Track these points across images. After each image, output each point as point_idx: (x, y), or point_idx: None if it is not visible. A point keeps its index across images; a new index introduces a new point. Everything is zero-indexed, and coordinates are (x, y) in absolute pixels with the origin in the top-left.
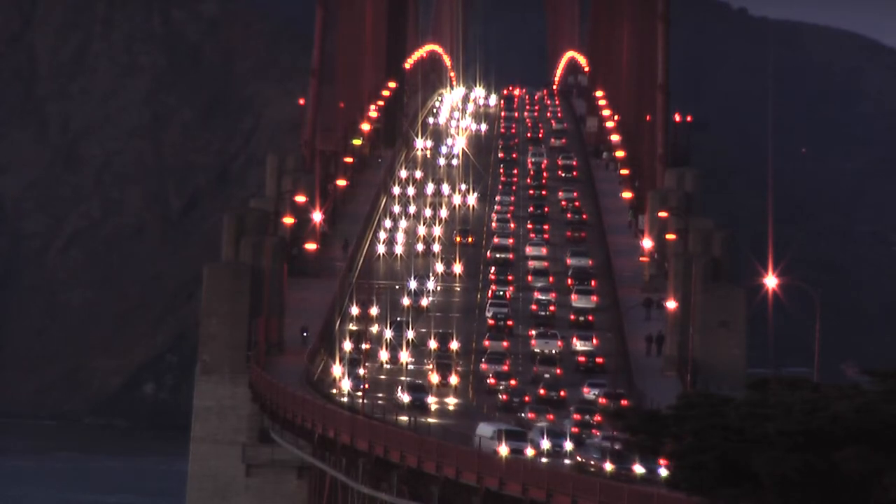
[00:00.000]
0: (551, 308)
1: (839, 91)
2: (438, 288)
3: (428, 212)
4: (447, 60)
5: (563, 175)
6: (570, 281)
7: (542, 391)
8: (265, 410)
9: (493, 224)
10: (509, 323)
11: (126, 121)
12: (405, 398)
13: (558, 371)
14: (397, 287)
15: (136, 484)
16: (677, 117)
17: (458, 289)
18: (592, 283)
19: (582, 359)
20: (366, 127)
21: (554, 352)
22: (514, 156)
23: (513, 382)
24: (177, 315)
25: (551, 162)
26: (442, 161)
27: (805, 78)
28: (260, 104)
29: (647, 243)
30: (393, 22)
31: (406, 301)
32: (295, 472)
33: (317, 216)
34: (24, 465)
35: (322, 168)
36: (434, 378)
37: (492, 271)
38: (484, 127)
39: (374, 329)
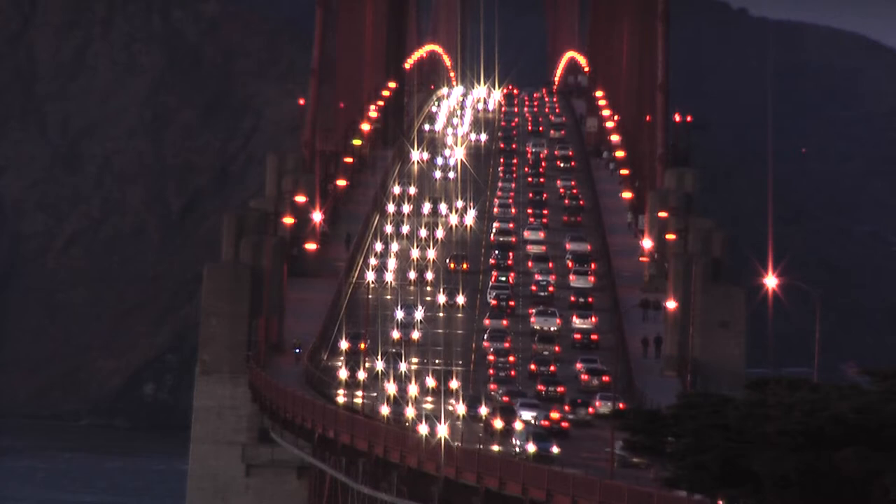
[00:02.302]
0: (550, 289)
1: (839, 91)
2: (440, 318)
3: (423, 232)
4: (447, 60)
5: (562, 165)
6: (570, 264)
7: (532, 367)
8: (265, 410)
9: (496, 209)
10: (511, 303)
11: (126, 121)
12: (530, 447)
13: (557, 348)
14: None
15: (136, 484)
16: (677, 117)
17: (459, 327)
18: (592, 265)
19: (577, 336)
20: (366, 127)
21: (553, 329)
22: (514, 146)
23: (511, 359)
24: (177, 315)
25: (550, 152)
26: (438, 174)
27: (805, 78)
28: (260, 104)
29: (647, 243)
30: (393, 22)
31: (396, 334)
32: (295, 472)
33: (317, 216)
34: (24, 465)
35: (322, 168)
36: (498, 424)
37: (493, 254)
38: (484, 137)
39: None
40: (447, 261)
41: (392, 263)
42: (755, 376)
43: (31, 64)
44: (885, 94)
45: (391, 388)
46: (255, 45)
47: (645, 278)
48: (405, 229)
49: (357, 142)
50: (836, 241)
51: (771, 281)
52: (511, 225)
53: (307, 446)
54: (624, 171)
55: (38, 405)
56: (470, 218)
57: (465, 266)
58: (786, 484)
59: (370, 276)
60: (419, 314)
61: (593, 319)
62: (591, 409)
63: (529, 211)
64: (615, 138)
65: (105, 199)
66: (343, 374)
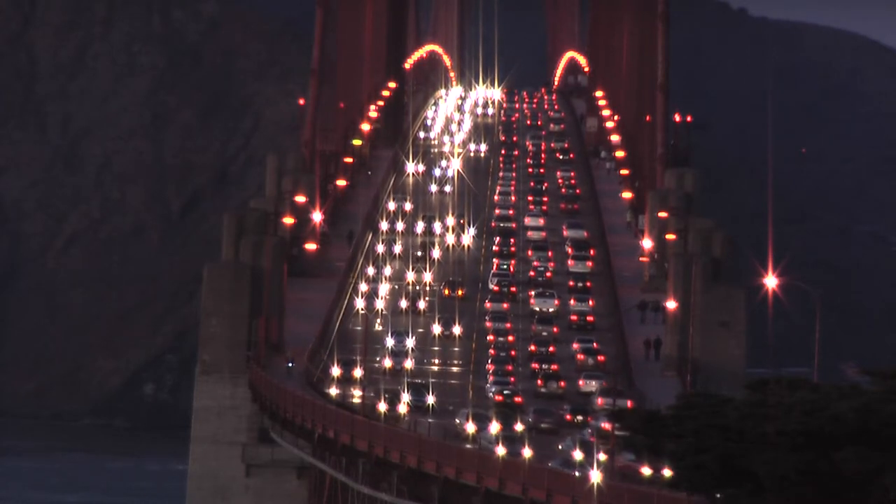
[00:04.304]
0: (548, 275)
1: (839, 91)
2: (436, 349)
3: (418, 252)
4: (447, 60)
5: (561, 157)
6: (570, 250)
7: (532, 347)
8: (265, 410)
9: (496, 197)
10: (512, 289)
11: (126, 121)
12: None
13: (555, 329)
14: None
15: (136, 484)
16: (677, 117)
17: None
18: (591, 251)
19: (574, 317)
20: (366, 127)
21: (551, 310)
22: (515, 139)
23: (511, 339)
24: (177, 315)
25: (548, 145)
26: (434, 187)
27: (805, 78)
28: (260, 104)
29: (647, 243)
30: (393, 22)
31: (388, 363)
32: (295, 472)
33: (317, 216)
34: (24, 465)
35: (322, 168)
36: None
37: (495, 242)
38: (484, 147)
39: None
40: (442, 286)
41: (384, 289)
42: (755, 376)
43: (31, 64)
44: (885, 94)
45: (470, 427)
46: (255, 45)
47: (645, 278)
48: (398, 248)
49: (357, 142)
50: (836, 241)
51: (771, 281)
52: (511, 212)
53: (307, 446)
54: (624, 171)
55: (38, 405)
56: (468, 238)
57: (460, 292)
58: (786, 484)
59: (359, 303)
60: (410, 342)
61: (591, 303)
62: (562, 383)
63: (530, 198)
64: (615, 138)
65: (105, 199)
66: (382, 406)
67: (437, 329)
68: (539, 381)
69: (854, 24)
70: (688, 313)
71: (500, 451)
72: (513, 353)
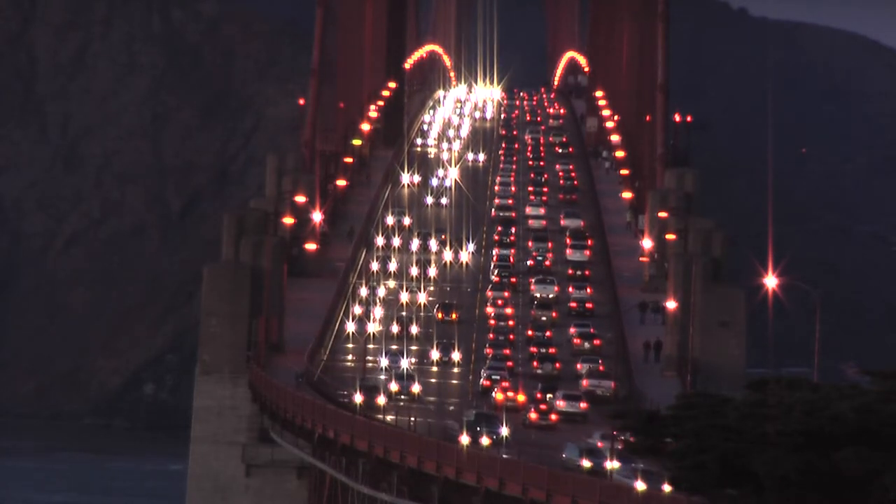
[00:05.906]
0: (546, 264)
1: (839, 91)
2: (435, 369)
3: (414, 270)
4: (447, 60)
5: (560, 151)
6: (568, 239)
7: (529, 332)
8: (265, 410)
9: (497, 187)
10: (513, 280)
11: (126, 121)
12: None
13: (554, 314)
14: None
15: (136, 484)
16: (677, 117)
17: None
18: (589, 241)
19: (573, 304)
20: (366, 127)
21: (551, 296)
22: (515, 133)
23: (511, 323)
24: (177, 315)
25: (547, 140)
26: (430, 199)
27: (805, 78)
28: (260, 104)
29: (647, 243)
30: (393, 22)
31: (394, 386)
32: (295, 472)
33: (317, 216)
34: (24, 465)
35: (322, 168)
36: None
37: (497, 231)
38: (482, 157)
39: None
40: (435, 309)
41: (378, 312)
42: (755, 376)
43: (31, 64)
44: (886, 94)
45: (586, 463)
46: (255, 45)
47: (645, 278)
48: (393, 267)
49: (357, 142)
50: (836, 241)
51: (771, 281)
52: (510, 201)
53: (307, 446)
54: (624, 171)
55: (38, 405)
56: (466, 254)
57: (454, 316)
58: (786, 484)
59: (350, 326)
60: (405, 363)
61: (589, 290)
62: (557, 365)
63: (530, 189)
64: (615, 138)
65: (105, 199)
66: (465, 439)
67: (435, 355)
68: (534, 364)
69: (854, 24)
70: (688, 313)
71: (640, 485)
72: (511, 337)
